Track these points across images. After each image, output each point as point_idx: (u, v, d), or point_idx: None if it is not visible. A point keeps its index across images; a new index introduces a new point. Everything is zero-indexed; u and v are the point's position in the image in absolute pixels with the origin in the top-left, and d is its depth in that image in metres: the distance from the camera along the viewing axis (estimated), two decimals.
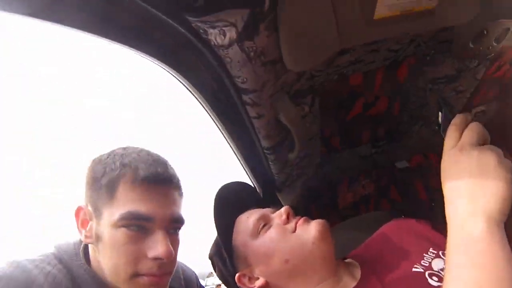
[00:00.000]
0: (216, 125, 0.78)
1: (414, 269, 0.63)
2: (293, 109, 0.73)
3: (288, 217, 0.70)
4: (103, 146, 0.70)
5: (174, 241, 0.64)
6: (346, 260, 0.74)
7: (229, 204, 0.77)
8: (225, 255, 0.73)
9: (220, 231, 0.73)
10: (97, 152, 0.67)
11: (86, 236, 0.63)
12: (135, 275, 0.59)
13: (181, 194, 0.68)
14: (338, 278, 0.67)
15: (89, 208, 0.63)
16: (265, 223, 0.71)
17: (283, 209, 0.72)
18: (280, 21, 0.50)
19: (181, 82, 0.64)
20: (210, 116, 0.74)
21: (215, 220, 0.73)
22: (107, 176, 0.60)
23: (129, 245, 0.58)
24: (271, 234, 0.69)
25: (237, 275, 0.72)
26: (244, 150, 0.89)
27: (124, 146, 0.68)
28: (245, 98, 0.65)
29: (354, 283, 0.66)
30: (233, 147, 0.87)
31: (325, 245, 0.66)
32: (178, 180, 0.68)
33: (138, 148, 0.67)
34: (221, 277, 0.80)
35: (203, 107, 0.71)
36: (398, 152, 0.94)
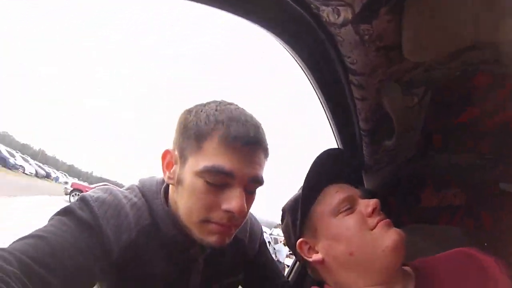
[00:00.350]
0: (318, 96, 0.79)
1: None
2: (400, 98, 0.70)
3: (373, 211, 0.67)
4: None
5: (249, 199, 0.68)
6: (405, 267, 0.71)
7: (325, 170, 0.74)
8: (299, 216, 0.73)
9: (305, 194, 0.72)
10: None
11: (169, 177, 0.70)
12: (206, 220, 0.65)
13: (266, 157, 0.70)
14: (390, 286, 0.65)
15: (176, 152, 0.69)
16: (349, 206, 0.69)
17: (372, 201, 0.68)
18: (407, 5, 0.47)
19: (287, 51, 0.66)
20: (313, 87, 0.76)
21: (305, 181, 0.72)
22: (199, 128, 0.64)
23: (206, 195, 0.63)
24: (350, 221, 0.67)
25: (300, 240, 0.74)
26: (341, 127, 0.90)
27: (219, 100, 0.71)
28: (352, 78, 0.65)
29: None
30: (330, 121, 0.88)
31: (394, 257, 0.63)
32: (266, 144, 0.69)
33: (233, 105, 0.69)
34: (285, 232, 0.81)
35: (307, 77, 0.73)
36: (507, 173, 0.80)
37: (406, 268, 0.71)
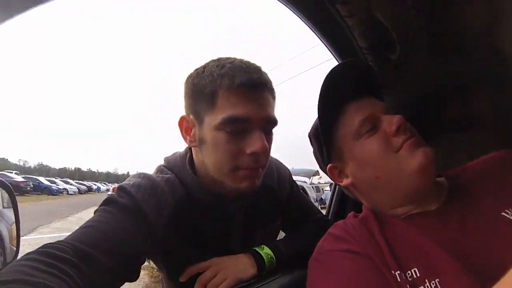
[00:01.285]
0: (309, 27, 0.76)
1: (503, 213, 0.55)
2: (390, 4, 0.65)
3: (397, 129, 0.61)
4: None
5: (268, 140, 0.72)
6: (438, 179, 0.68)
7: (340, 86, 0.67)
8: (322, 143, 0.71)
9: (323, 117, 0.69)
10: None
11: (190, 141, 0.73)
12: (235, 168, 0.69)
13: (274, 97, 0.73)
14: (423, 202, 0.63)
15: (191, 116, 0.72)
16: (372, 126, 0.64)
17: (395, 118, 0.62)
18: None
19: None
20: (301, 19, 0.73)
21: (320, 102, 0.67)
22: (208, 87, 0.67)
23: (229, 144, 0.67)
24: (373, 144, 0.63)
25: (329, 166, 0.73)
26: (340, 50, 0.86)
27: (217, 58, 0.73)
28: None
29: (435, 207, 0.62)
30: (329, 49, 0.85)
31: (422, 180, 0.60)
32: (271, 84, 0.72)
33: (230, 58, 0.72)
34: (316, 158, 0.81)
35: (291, 9, 0.70)
36: None
37: (439, 179, 0.69)
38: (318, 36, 0.80)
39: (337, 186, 1.17)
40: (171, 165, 0.80)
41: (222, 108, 0.66)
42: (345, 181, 0.71)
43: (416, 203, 0.64)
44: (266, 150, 0.69)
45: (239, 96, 0.66)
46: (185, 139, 0.74)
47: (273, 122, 0.72)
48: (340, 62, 0.88)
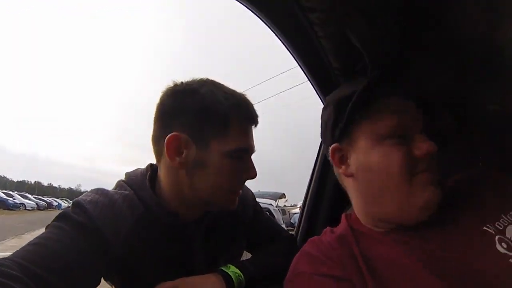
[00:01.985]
0: (284, 45, 0.78)
1: (484, 228, 0.56)
2: (363, 26, 0.64)
3: (424, 156, 0.57)
4: None
5: None
6: None
7: (395, 75, 0.64)
8: (343, 120, 0.64)
9: (361, 97, 0.61)
10: None
11: (180, 163, 0.69)
12: (232, 191, 0.75)
13: None
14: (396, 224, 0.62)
15: (185, 136, 0.68)
16: (402, 136, 0.59)
17: (431, 144, 0.57)
18: None
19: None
20: (277, 37, 0.74)
21: (367, 82, 0.61)
22: (222, 112, 0.68)
23: (234, 170, 0.71)
24: (394, 156, 0.58)
25: (334, 145, 0.67)
26: (313, 69, 0.88)
27: (212, 81, 0.74)
28: (312, 17, 0.63)
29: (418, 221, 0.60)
30: (302, 67, 0.87)
31: (420, 216, 0.59)
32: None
33: (231, 88, 0.75)
34: (323, 130, 0.73)
35: (269, 27, 0.71)
36: None
37: None
38: (292, 54, 0.82)
39: (306, 206, 1.16)
40: (131, 181, 0.77)
41: (235, 137, 0.70)
42: (345, 170, 0.67)
43: (396, 223, 0.63)
44: (256, 176, 0.76)
45: (248, 129, 0.74)
46: (172, 159, 0.69)
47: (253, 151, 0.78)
48: (312, 82, 0.91)
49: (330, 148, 0.68)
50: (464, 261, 0.52)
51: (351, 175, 0.66)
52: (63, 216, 0.62)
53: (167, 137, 0.67)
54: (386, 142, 0.60)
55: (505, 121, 0.87)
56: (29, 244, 0.55)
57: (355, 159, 0.64)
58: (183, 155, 0.69)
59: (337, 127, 0.66)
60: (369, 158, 0.62)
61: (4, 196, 26.36)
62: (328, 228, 0.73)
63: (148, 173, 0.78)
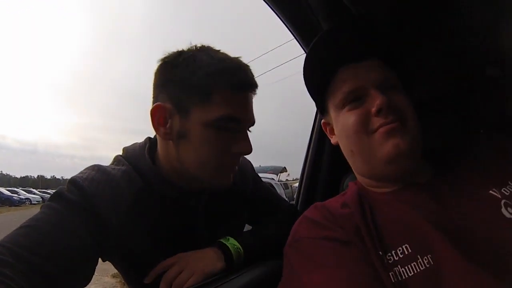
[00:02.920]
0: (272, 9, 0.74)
1: (490, 191, 0.55)
2: None
3: (379, 111, 0.58)
4: None
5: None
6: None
7: (336, 46, 0.64)
8: (316, 100, 0.73)
9: (313, 79, 0.69)
10: None
11: (165, 133, 0.68)
12: (220, 166, 0.68)
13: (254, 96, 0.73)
14: (408, 178, 0.62)
15: (169, 105, 0.66)
16: (356, 99, 0.62)
17: (379, 99, 0.58)
18: None
19: None
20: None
21: (306, 62, 0.67)
22: (202, 80, 0.63)
23: (218, 142, 0.66)
24: (350, 119, 0.61)
25: (322, 121, 0.75)
26: (302, 32, 0.85)
27: (204, 47, 0.69)
28: None
29: (425, 180, 0.61)
30: (292, 31, 0.83)
31: (390, 169, 0.59)
32: (257, 85, 0.72)
33: (220, 51, 0.69)
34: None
35: None
36: None
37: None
38: (280, 18, 0.78)
39: (305, 173, 1.16)
40: (129, 155, 0.75)
41: (217, 105, 0.64)
42: (334, 139, 0.73)
43: (398, 181, 0.63)
44: (251, 152, 0.70)
45: (235, 97, 0.66)
46: (157, 130, 0.68)
47: (253, 124, 0.73)
48: (302, 45, 0.87)
49: (322, 123, 0.75)
50: (473, 230, 0.52)
51: (337, 143, 0.71)
52: (57, 195, 0.59)
53: (151, 108, 0.67)
54: (344, 109, 0.63)
55: (505, 86, 0.85)
56: (20, 227, 0.52)
57: (335, 129, 0.70)
58: (168, 126, 0.67)
59: (317, 108, 0.74)
60: (337, 127, 0.67)
61: (8, 193, 26.60)
62: (332, 198, 0.72)
63: (147, 145, 0.76)
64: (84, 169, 0.67)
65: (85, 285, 0.56)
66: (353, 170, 0.71)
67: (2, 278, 0.41)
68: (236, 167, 0.74)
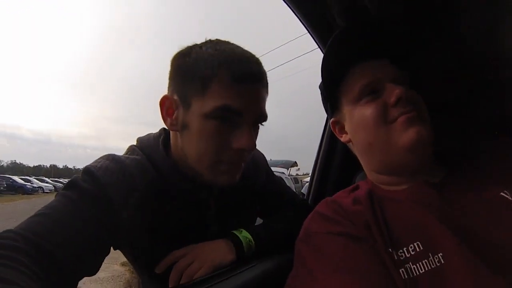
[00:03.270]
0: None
1: (501, 194, 0.54)
2: None
3: (396, 101, 0.59)
4: None
5: (255, 135, 0.70)
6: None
7: (345, 48, 0.66)
8: (325, 96, 0.74)
9: (328, 75, 0.69)
10: None
11: (171, 124, 0.68)
12: (218, 161, 0.66)
13: (267, 92, 0.70)
14: (422, 173, 0.62)
15: (175, 97, 0.67)
16: (372, 92, 0.63)
17: (397, 89, 0.59)
18: None
19: None
20: None
21: (323, 64, 0.68)
22: (202, 71, 0.63)
23: (216, 135, 0.64)
24: (368, 111, 0.62)
25: (332, 119, 0.75)
26: (317, 28, 0.85)
27: (214, 40, 0.69)
28: None
29: (438, 179, 0.61)
30: (306, 26, 0.83)
31: (410, 158, 0.60)
32: (267, 80, 0.70)
33: (230, 44, 0.68)
34: (325, 109, 0.82)
35: None
36: None
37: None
38: (295, 14, 0.77)
39: (316, 170, 1.16)
40: (143, 145, 0.75)
41: (214, 96, 0.62)
42: (344, 137, 0.73)
43: (413, 175, 0.63)
44: (254, 148, 0.67)
45: (235, 87, 0.63)
46: (165, 121, 0.69)
47: (264, 118, 0.70)
48: (316, 40, 0.87)
49: (330, 122, 0.75)
50: (483, 232, 0.51)
51: (349, 141, 0.72)
52: (72, 184, 0.59)
53: (160, 99, 0.68)
54: (361, 102, 0.64)
55: None
56: (35, 214, 0.53)
57: (347, 127, 0.70)
58: (174, 116, 0.68)
59: (327, 106, 0.74)
60: (352, 121, 0.67)
61: (22, 182, 27.20)
62: (342, 191, 0.72)
63: (162, 136, 0.76)
64: (98, 158, 0.68)
65: (94, 273, 0.57)
66: (366, 166, 0.71)
67: (16, 265, 0.41)
68: (242, 165, 0.71)
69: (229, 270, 0.67)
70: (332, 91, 0.71)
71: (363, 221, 0.59)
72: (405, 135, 0.58)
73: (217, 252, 0.70)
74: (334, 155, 1.14)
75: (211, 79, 0.62)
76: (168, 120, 0.69)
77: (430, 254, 0.51)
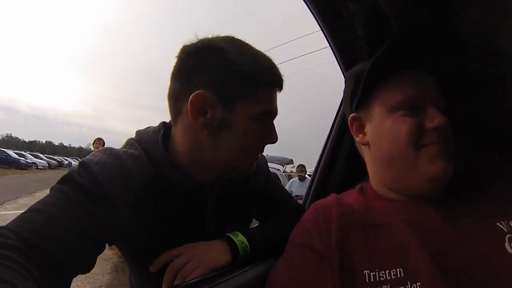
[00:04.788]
0: (309, 9, 0.73)
1: (497, 224, 0.54)
2: None
3: (435, 129, 0.58)
4: None
5: None
6: None
7: (411, 47, 0.63)
8: (358, 93, 0.67)
9: (373, 71, 0.63)
10: None
11: (204, 124, 0.65)
12: (253, 155, 0.74)
13: None
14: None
15: (210, 95, 0.64)
16: (413, 108, 0.60)
17: (440, 118, 0.57)
18: None
19: None
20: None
21: (378, 56, 0.62)
22: (251, 74, 0.65)
23: (259, 134, 0.70)
24: (403, 126, 0.60)
25: (352, 115, 0.71)
26: (335, 35, 0.83)
27: (241, 41, 0.69)
28: None
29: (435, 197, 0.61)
30: (324, 32, 0.82)
31: (429, 189, 0.59)
32: None
33: (258, 50, 0.70)
34: (344, 98, 0.77)
35: None
36: None
37: None
38: (315, 17, 0.76)
39: (317, 175, 1.15)
40: (143, 140, 0.73)
41: (261, 100, 0.67)
42: (361, 138, 0.70)
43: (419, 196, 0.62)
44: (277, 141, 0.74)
45: (274, 92, 0.71)
46: (195, 119, 0.64)
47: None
48: (333, 49, 0.86)
49: (349, 117, 0.71)
50: (472, 259, 0.52)
51: (366, 144, 0.69)
52: (68, 179, 0.58)
53: (192, 95, 0.63)
54: (398, 113, 0.61)
55: None
56: (28, 210, 0.52)
57: (369, 128, 0.68)
58: (208, 115, 0.65)
59: (355, 98, 0.69)
60: (380, 128, 0.64)
61: (16, 156, 27.11)
62: (334, 194, 0.72)
63: (161, 132, 0.74)
64: (96, 152, 0.66)
65: (89, 270, 0.56)
66: (376, 176, 0.69)
67: (10, 263, 0.40)
68: (260, 155, 0.78)
69: (225, 273, 0.66)
70: (368, 87, 0.66)
71: (340, 234, 0.59)
72: (432, 167, 0.57)
73: (213, 252, 0.69)
74: (337, 158, 1.13)
75: (257, 84, 0.66)
76: (201, 119, 0.65)
77: (408, 282, 0.51)
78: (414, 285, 0.51)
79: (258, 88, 0.66)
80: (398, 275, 0.52)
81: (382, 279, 0.53)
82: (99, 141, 5.23)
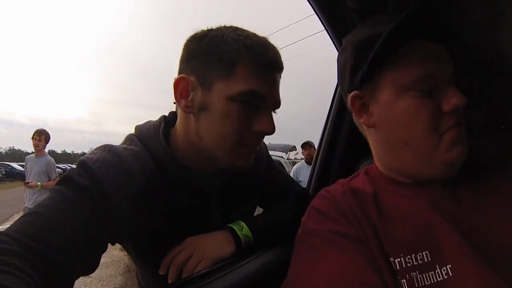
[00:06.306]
0: None
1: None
2: None
3: (454, 111, 0.52)
4: None
5: None
6: None
7: (426, 18, 0.53)
8: (366, 66, 0.56)
9: (386, 41, 0.52)
10: None
11: (186, 106, 0.66)
12: (238, 144, 0.65)
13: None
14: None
15: (192, 79, 0.65)
16: (428, 84, 0.52)
17: (460, 99, 0.51)
18: None
19: None
20: None
21: (394, 26, 0.50)
22: (229, 53, 0.62)
23: (240, 118, 0.63)
24: (419, 110, 0.52)
25: (354, 93, 0.61)
26: (326, 10, 0.80)
27: (229, 26, 0.68)
28: None
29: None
30: (314, 8, 0.78)
31: (446, 173, 0.54)
32: (283, 67, 0.70)
33: (252, 32, 0.67)
34: (340, 72, 0.66)
35: None
36: None
37: None
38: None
39: (319, 158, 1.12)
40: (142, 135, 0.72)
41: (241, 80, 0.62)
42: (366, 120, 0.61)
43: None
44: (274, 131, 0.67)
45: (261, 73, 0.63)
46: (179, 102, 0.66)
47: (279, 105, 0.70)
48: (325, 25, 0.82)
49: (350, 95, 0.62)
50: (492, 229, 0.49)
51: (372, 126, 0.60)
52: (66, 179, 0.56)
53: (174, 80, 0.65)
54: (411, 93, 0.53)
55: None
56: (28, 213, 0.50)
57: (377, 109, 0.58)
58: (189, 98, 0.65)
59: (357, 72, 0.59)
60: (392, 110, 0.56)
61: (21, 168, 27.26)
62: (341, 180, 0.68)
63: (162, 125, 0.73)
64: (95, 149, 0.64)
65: (92, 271, 0.54)
66: (383, 160, 0.64)
67: (10, 269, 0.39)
68: (257, 148, 0.71)
69: (229, 264, 0.64)
70: (376, 59, 0.55)
71: (363, 221, 0.55)
72: (451, 153, 0.52)
73: (215, 244, 0.68)
74: (338, 140, 1.10)
75: (237, 63, 0.62)
76: (183, 101, 0.66)
77: (437, 265, 0.48)
78: (445, 268, 0.47)
79: (236, 68, 0.62)
80: (426, 259, 0.49)
81: (409, 265, 0.49)
82: (39, 135, 3.73)
